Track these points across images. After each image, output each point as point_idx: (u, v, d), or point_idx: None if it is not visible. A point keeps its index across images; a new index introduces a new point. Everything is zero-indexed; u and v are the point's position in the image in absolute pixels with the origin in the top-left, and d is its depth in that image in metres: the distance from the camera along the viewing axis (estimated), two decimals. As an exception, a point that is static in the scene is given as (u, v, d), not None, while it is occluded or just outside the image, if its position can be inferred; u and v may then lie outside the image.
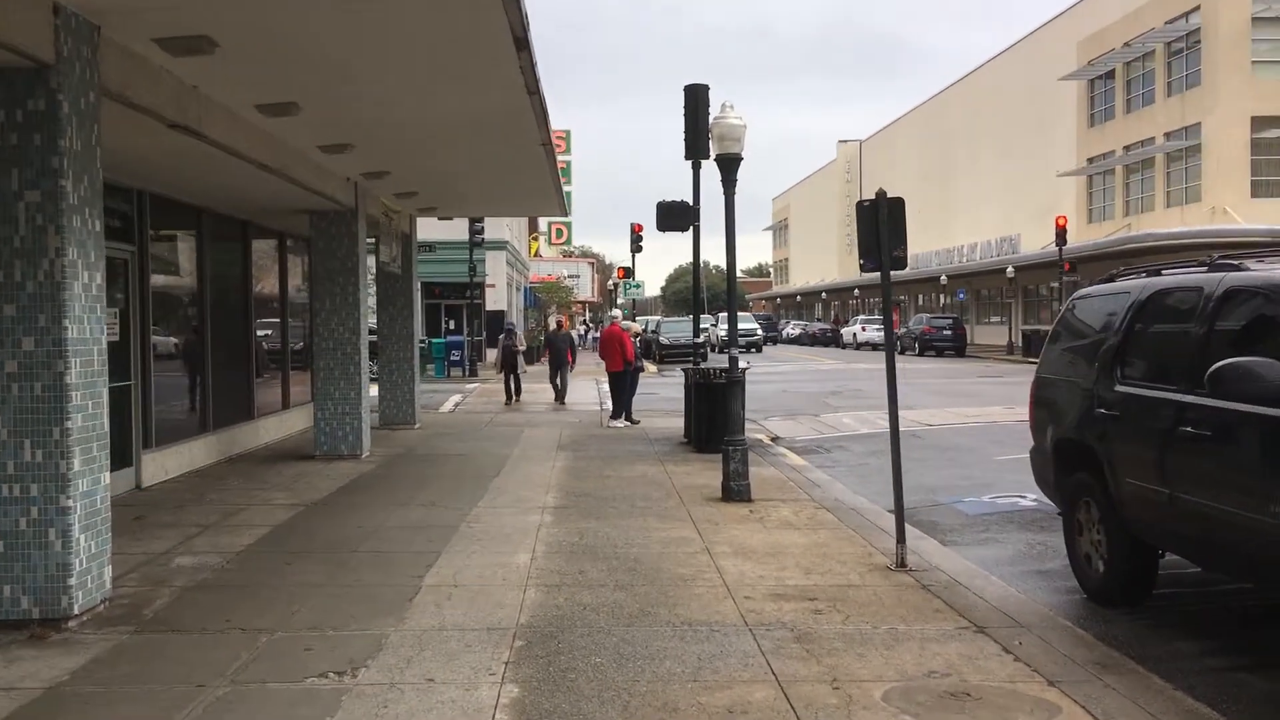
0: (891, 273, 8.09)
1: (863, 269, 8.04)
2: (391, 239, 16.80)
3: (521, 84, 9.26)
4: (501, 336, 25.33)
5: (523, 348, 24.48)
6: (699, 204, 17.59)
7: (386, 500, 11.22)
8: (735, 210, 11.62)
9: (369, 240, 16.91)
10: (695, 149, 17.40)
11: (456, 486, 12.16)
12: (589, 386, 30.22)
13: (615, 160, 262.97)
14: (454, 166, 13.95)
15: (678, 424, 18.91)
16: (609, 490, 11.88)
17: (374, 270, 18.15)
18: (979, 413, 20.33)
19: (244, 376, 15.40)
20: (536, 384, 25.97)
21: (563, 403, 22.84)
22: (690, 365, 16.70)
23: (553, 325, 25.29)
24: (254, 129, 10.26)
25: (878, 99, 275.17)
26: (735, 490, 11.23)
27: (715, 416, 15.06)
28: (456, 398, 26.04)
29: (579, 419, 20.48)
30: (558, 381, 23.33)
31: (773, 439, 17.64)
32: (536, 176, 15.05)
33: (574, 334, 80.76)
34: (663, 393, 28.24)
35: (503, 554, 8.62)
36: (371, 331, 19.27)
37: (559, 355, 23.63)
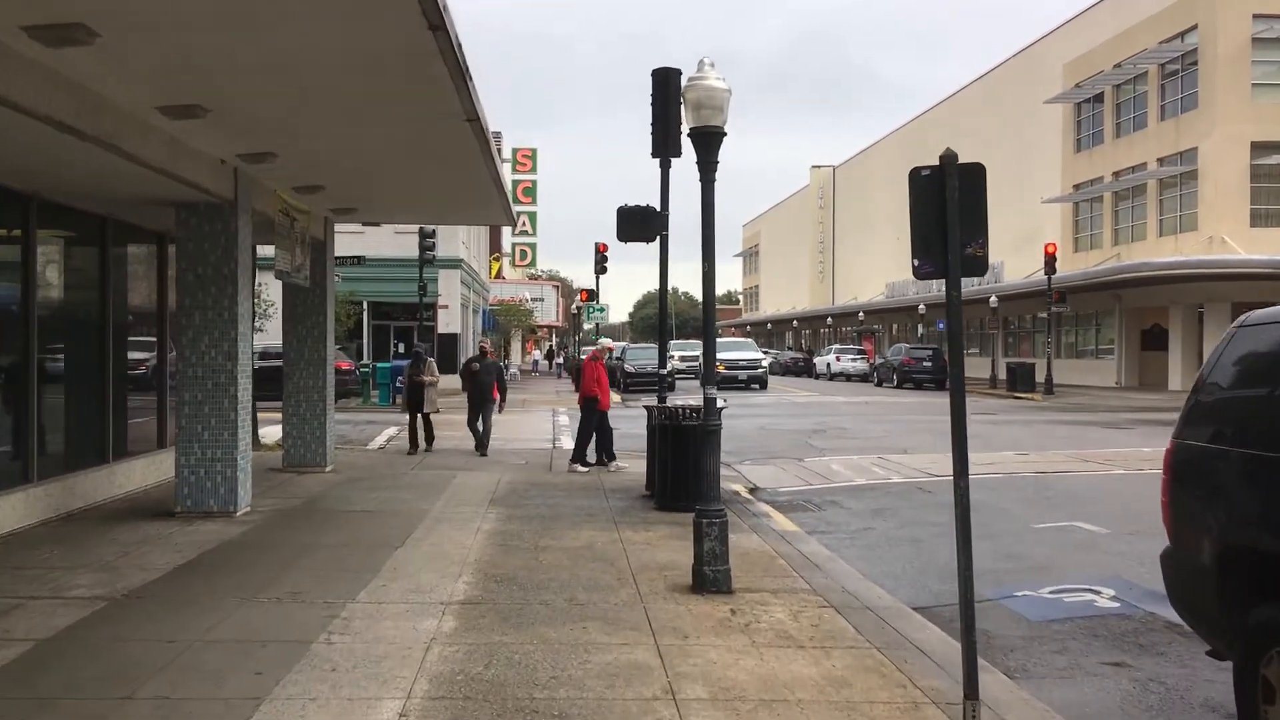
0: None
1: (917, 274, 5.23)
2: (294, 244, 13.81)
3: (415, 4, 6.40)
4: (406, 365, 20.02)
5: (434, 379, 18.69)
6: (668, 208, 14.81)
7: (235, 588, 8.20)
8: (714, 205, 8.77)
9: (267, 245, 13.95)
10: (665, 144, 14.61)
11: (341, 564, 9.16)
12: (542, 420, 27.24)
13: (585, 187, 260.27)
14: (358, 147, 11.04)
15: (639, 469, 16.02)
16: (543, 571, 8.93)
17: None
18: (991, 460, 17.55)
19: (96, 409, 12.32)
20: (457, 414, 22.83)
21: (484, 453, 17.87)
22: (656, 401, 13.79)
23: (482, 352, 19.71)
24: (37, 68, 7.29)
25: (845, 130, 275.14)
26: (711, 578, 8.33)
27: (683, 469, 12.16)
28: (392, 430, 22.99)
29: (525, 460, 17.52)
30: (479, 427, 18.28)
31: (751, 490, 14.79)
32: (469, 169, 12.17)
33: (536, 359, 76.67)
34: (625, 428, 25.19)
35: (359, 703, 5.64)
36: (277, 355, 16.30)
37: (482, 393, 18.31)
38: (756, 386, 43.42)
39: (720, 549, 8.39)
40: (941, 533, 11.49)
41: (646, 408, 14.03)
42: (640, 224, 14.84)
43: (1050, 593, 8.59)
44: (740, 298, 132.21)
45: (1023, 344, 54.32)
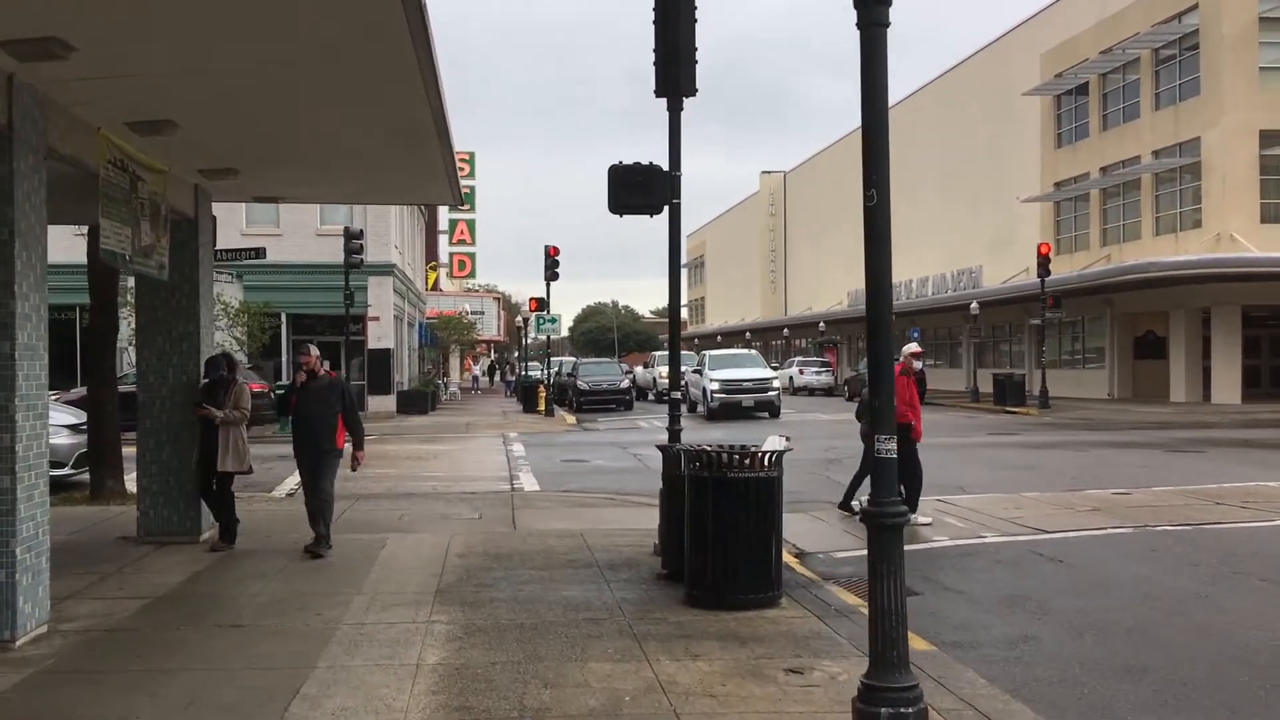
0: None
1: None
2: (138, 215, 9.30)
3: None
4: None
5: (237, 414, 10.32)
6: (679, 168, 10.67)
7: None
8: (886, 102, 4.55)
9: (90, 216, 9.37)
10: (671, 78, 10.48)
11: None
12: (491, 450, 22.70)
13: (522, 210, 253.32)
14: (209, 35, 6.63)
15: (632, 521, 11.81)
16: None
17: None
18: (1093, 505, 13.46)
19: None
20: (388, 443, 18.21)
21: (320, 553, 9.92)
22: (682, 442, 9.46)
23: (320, 371, 10.47)
24: None
25: (772, 144, 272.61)
26: (902, 830, 4.06)
27: (732, 543, 7.93)
28: (306, 469, 18.35)
29: (478, 513, 13.14)
30: (312, 501, 10.18)
31: (798, 556, 10.55)
32: (397, 81, 7.80)
33: (476, 375, 71.29)
34: (594, 459, 21.02)
35: None
36: (130, 379, 11.70)
37: (312, 437, 10.13)
38: (766, 415, 32.48)
39: (919, 769, 4.13)
40: (1153, 643, 7.32)
41: (661, 447, 9.76)
42: (641, 190, 10.67)
43: None
44: (684, 310, 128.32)
45: (994, 354, 50.97)
